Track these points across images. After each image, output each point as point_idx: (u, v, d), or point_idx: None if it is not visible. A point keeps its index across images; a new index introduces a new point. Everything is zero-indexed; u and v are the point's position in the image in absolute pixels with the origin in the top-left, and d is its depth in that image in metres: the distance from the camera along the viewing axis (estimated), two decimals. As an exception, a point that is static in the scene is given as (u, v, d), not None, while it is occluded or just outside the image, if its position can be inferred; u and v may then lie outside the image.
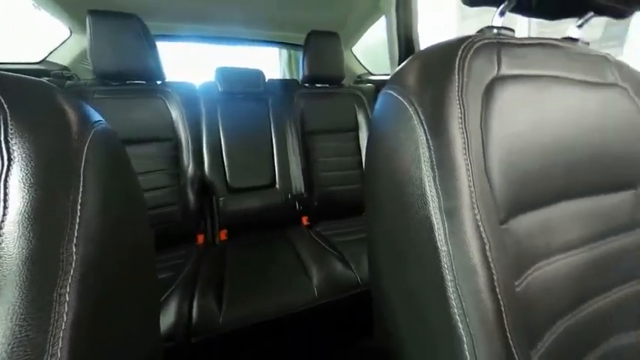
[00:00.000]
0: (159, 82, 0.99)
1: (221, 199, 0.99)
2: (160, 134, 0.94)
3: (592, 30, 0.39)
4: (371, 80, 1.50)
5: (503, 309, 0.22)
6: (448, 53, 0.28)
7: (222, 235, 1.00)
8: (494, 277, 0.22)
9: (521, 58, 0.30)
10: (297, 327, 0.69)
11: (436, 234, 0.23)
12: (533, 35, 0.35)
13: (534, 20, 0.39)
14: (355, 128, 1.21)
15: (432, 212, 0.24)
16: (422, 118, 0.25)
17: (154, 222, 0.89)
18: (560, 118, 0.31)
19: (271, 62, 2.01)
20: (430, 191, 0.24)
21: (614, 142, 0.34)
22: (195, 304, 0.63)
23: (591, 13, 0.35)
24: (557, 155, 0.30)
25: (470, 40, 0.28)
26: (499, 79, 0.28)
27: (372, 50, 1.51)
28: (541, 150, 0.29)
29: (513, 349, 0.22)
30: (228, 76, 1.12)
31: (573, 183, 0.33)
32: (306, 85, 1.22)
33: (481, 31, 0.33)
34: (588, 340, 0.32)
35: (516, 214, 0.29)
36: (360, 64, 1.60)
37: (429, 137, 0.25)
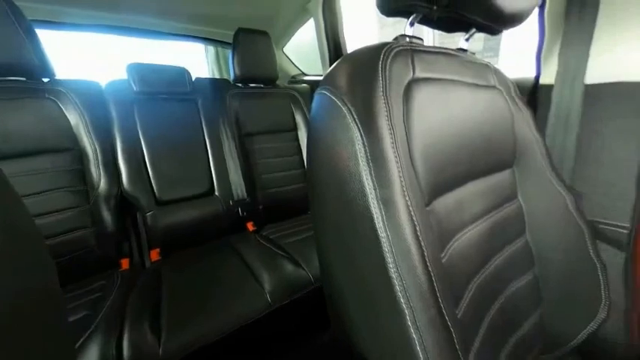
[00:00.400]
0: (46, 80, 0.79)
1: (148, 214, 0.86)
2: (53, 144, 0.76)
3: (476, 43, 0.49)
4: (305, 80, 1.53)
5: (434, 280, 0.26)
6: (372, 57, 0.31)
7: (154, 255, 0.88)
8: (425, 254, 0.26)
9: (429, 63, 0.36)
10: (254, 337, 0.66)
11: (376, 222, 0.26)
12: (437, 44, 0.41)
13: (437, 32, 0.46)
14: (294, 128, 1.22)
15: (371, 203, 0.26)
16: (355, 116, 0.27)
17: (59, 252, 0.72)
18: (461, 114, 0.37)
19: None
20: (368, 184, 0.26)
21: (496, 133, 0.43)
22: (125, 340, 0.54)
23: (474, 30, 0.44)
24: (462, 144, 0.37)
25: (389, 46, 0.32)
26: (415, 81, 0.33)
27: (304, 51, 1.54)
28: (451, 141, 0.35)
29: (444, 312, 0.26)
30: (144, 74, 0.98)
31: (475, 166, 0.40)
32: (239, 85, 1.17)
33: (396, 38, 0.38)
34: (494, 292, 0.41)
35: (437, 197, 0.34)
36: (294, 64, 1.61)
37: (362, 134, 0.27)
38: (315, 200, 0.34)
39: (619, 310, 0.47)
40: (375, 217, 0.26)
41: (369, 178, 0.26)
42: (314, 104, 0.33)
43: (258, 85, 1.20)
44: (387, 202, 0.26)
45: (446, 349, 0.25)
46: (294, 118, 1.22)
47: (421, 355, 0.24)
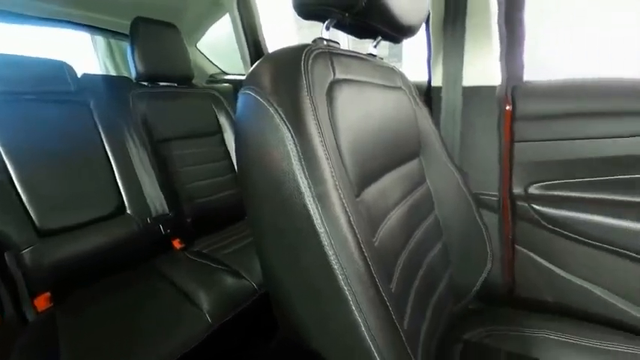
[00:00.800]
0: None
1: (26, 251, 0.66)
2: None
3: (383, 49, 0.55)
4: (227, 80, 1.44)
5: (370, 263, 0.28)
6: (294, 58, 0.31)
7: (42, 302, 0.68)
8: (360, 241, 0.28)
9: (347, 66, 0.39)
10: None
11: (313, 218, 0.26)
12: (351, 48, 0.45)
13: (350, 38, 0.50)
14: (219, 131, 1.13)
15: (307, 200, 0.27)
16: (283, 116, 0.28)
17: None
18: (375, 112, 0.42)
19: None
20: (303, 182, 0.27)
21: (404, 128, 0.50)
22: None
23: (380, 38, 0.50)
24: (378, 140, 0.41)
25: (309, 48, 0.33)
26: (336, 82, 0.35)
27: (222, 48, 1.45)
28: (370, 137, 0.39)
29: (381, 290, 0.29)
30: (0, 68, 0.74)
31: (390, 158, 0.46)
32: (145, 84, 1.01)
33: (315, 41, 0.40)
34: (417, 263, 0.48)
35: (364, 188, 0.37)
36: (211, 62, 1.50)
37: (293, 134, 0.27)
38: (250, 204, 0.33)
39: (497, 258, 0.63)
40: (312, 213, 0.26)
41: (303, 176, 0.27)
42: (239, 105, 0.32)
43: (171, 85, 1.07)
44: (322, 198, 0.27)
45: (386, 322, 0.28)
46: (217, 121, 1.13)
47: (366, 334, 0.26)
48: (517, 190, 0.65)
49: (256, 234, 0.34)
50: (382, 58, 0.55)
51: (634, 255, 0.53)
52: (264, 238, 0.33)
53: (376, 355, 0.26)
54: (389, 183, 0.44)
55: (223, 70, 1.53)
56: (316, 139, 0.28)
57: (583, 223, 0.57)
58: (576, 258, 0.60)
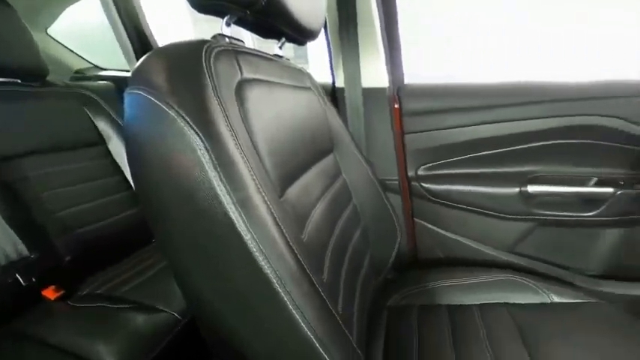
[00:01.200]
0: None
1: None
2: None
3: (289, 51, 0.57)
4: (102, 77, 1.16)
5: (301, 259, 0.29)
6: (192, 54, 0.28)
7: None
8: (289, 240, 0.28)
9: (255, 65, 0.38)
10: None
11: (237, 226, 0.25)
12: (256, 47, 0.44)
13: (256, 38, 0.49)
14: (100, 141, 0.91)
15: (229, 208, 0.25)
16: (188, 119, 0.25)
17: None
18: (288, 112, 0.43)
19: None
20: (221, 190, 0.25)
21: (317, 126, 0.53)
22: None
23: (284, 39, 0.51)
24: (294, 139, 0.42)
25: (209, 44, 0.30)
26: (245, 82, 0.33)
27: (92, 36, 1.16)
28: (286, 137, 0.40)
29: (315, 283, 0.30)
30: None
31: (308, 156, 0.48)
32: None
33: (215, 37, 0.37)
34: (342, 250, 0.52)
35: (287, 187, 0.37)
36: (77, 55, 1.18)
37: (203, 139, 0.25)
38: (158, 223, 0.28)
39: (403, 232, 0.75)
40: (235, 220, 0.25)
41: (221, 183, 0.25)
42: (127, 108, 0.27)
43: (11, 81, 0.78)
44: (244, 204, 0.25)
45: (323, 312, 0.29)
46: (96, 127, 0.90)
47: (305, 328, 0.26)
48: (411, 172, 0.79)
49: (171, 255, 0.30)
50: (289, 59, 0.56)
51: (494, 213, 0.74)
52: (182, 258, 0.29)
53: (317, 345, 0.27)
54: (309, 180, 0.46)
55: (96, 64, 1.23)
56: (231, 143, 0.26)
57: (458, 193, 0.75)
58: (456, 220, 0.78)
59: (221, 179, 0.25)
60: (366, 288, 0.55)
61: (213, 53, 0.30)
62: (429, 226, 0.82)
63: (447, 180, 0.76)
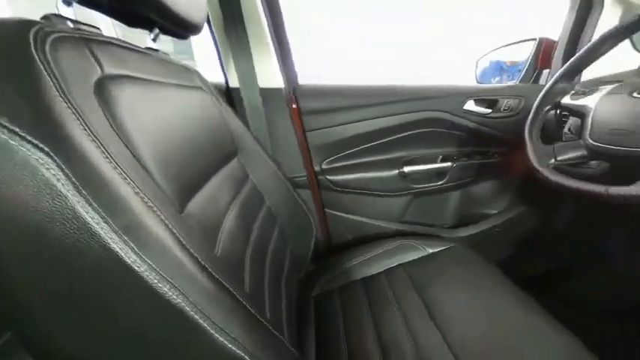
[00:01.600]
0: None
1: None
2: None
3: (165, 44, 0.49)
4: None
5: (218, 277, 0.26)
6: (14, 39, 0.20)
7: None
8: (199, 259, 0.25)
9: (120, 59, 0.31)
10: None
11: (126, 258, 0.20)
12: (120, 37, 0.36)
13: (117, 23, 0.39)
14: None
15: (108, 239, 0.19)
16: (23, 134, 0.17)
17: None
18: (177, 115, 0.37)
19: None
20: (92, 217, 0.19)
21: (215, 130, 0.49)
22: None
23: (158, 31, 0.43)
24: (190, 146, 0.38)
25: (38, 28, 0.22)
26: (107, 79, 0.27)
27: None
28: (181, 143, 0.35)
29: (238, 298, 0.28)
30: None
31: (210, 163, 0.43)
32: None
33: (46, 18, 0.27)
34: (262, 256, 0.50)
35: (188, 200, 0.33)
36: None
37: (52, 155, 0.18)
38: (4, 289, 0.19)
39: (317, 224, 0.80)
40: (122, 253, 0.20)
41: (91, 209, 0.19)
42: None
43: None
44: (131, 230, 0.20)
45: (250, 325, 0.28)
46: None
47: (234, 348, 0.24)
48: (316, 167, 0.84)
49: (22, 321, 0.21)
50: (168, 54, 0.48)
51: (383, 193, 0.88)
52: (44, 320, 0.21)
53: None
54: (214, 188, 0.42)
55: None
56: (95, 156, 0.20)
57: (355, 181, 0.85)
58: (357, 204, 0.89)
59: (89, 204, 0.19)
60: (291, 286, 0.56)
61: (49, 40, 0.22)
62: (338, 213, 0.90)
63: (346, 170, 0.85)
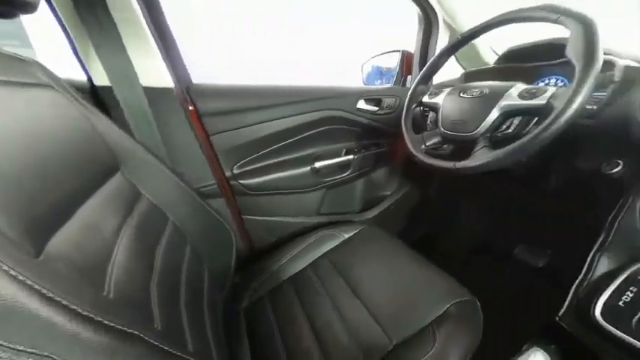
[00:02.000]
0: None
1: None
2: None
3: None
4: None
5: (113, 324, 0.21)
6: None
7: None
8: (77, 311, 0.19)
9: None
10: None
11: None
12: None
13: None
14: None
15: None
16: None
17: None
18: (15, 124, 0.27)
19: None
20: None
21: (80, 141, 0.38)
22: None
23: None
24: (46, 163, 0.28)
25: None
26: None
27: None
28: (25, 162, 0.25)
29: (149, 339, 0.23)
30: None
31: (79, 183, 0.33)
32: None
33: None
34: (174, 282, 0.43)
35: (49, 238, 0.25)
36: None
37: None
38: None
39: (236, 232, 0.75)
40: None
41: None
42: None
43: None
44: None
45: None
46: None
47: None
48: (227, 173, 0.78)
49: None
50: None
51: (300, 190, 0.90)
52: None
53: None
54: (92, 214, 0.33)
55: None
56: None
57: (270, 182, 0.84)
58: (275, 205, 0.89)
59: None
60: (214, 307, 0.51)
61: None
62: (257, 217, 0.87)
63: (258, 173, 0.83)
